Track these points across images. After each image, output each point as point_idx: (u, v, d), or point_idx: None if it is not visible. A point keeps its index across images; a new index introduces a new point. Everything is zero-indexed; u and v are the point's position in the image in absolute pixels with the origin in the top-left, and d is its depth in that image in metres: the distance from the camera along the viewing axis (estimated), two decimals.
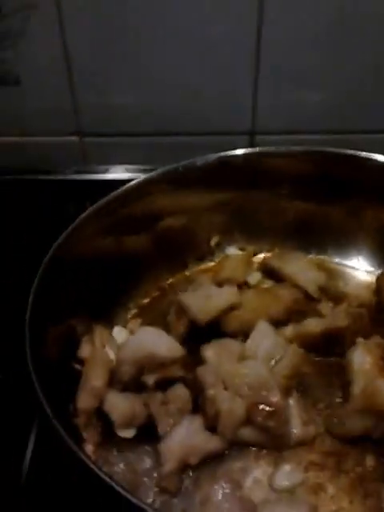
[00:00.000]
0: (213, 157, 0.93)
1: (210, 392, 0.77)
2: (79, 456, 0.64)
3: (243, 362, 0.80)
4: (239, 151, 0.94)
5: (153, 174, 0.92)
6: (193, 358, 0.85)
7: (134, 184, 0.91)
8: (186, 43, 1.01)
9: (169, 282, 1.00)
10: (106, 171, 1.14)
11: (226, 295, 0.89)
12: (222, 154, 0.94)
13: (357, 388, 0.78)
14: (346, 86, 1.05)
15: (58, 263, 0.81)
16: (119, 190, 0.90)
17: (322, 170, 0.95)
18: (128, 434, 0.79)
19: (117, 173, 1.14)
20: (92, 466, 0.63)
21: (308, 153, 0.94)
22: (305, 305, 0.92)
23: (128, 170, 1.14)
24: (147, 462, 0.77)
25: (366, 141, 0.95)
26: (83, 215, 0.85)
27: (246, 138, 1.10)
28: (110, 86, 1.06)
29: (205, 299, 0.88)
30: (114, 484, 0.61)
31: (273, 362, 0.81)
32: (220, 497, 0.71)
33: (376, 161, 0.91)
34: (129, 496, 0.61)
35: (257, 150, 0.95)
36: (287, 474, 0.74)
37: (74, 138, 1.12)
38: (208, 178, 0.95)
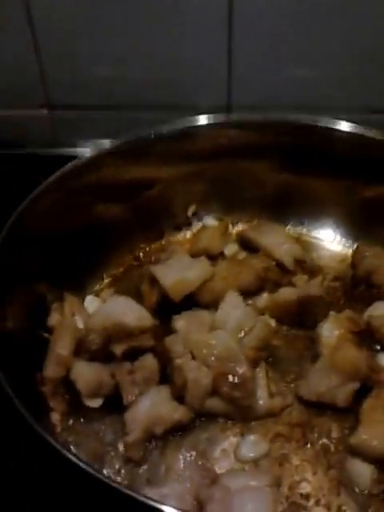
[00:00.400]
0: (182, 124, 0.92)
1: (178, 361, 0.77)
2: (36, 429, 0.63)
3: (212, 332, 0.79)
4: (207, 119, 0.93)
5: (120, 141, 0.90)
6: (165, 328, 0.84)
7: (103, 150, 0.89)
8: (157, 14, 0.98)
9: (144, 251, 0.99)
10: (74, 146, 1.11)
11: (199, 271, 0.87)
12: (189, 122, 0.92)
13: (325, 350, 0.79)
14: (325, 59, 1.02)
15: (21, 231, 0.79)
16: (85, 158, 0.88)
17: (298, 140, 0.93)
18: (95, 403, 0.78)
19: (86, 147, 1.10)
20: (48, 438, 0.62)
21: (282, 122, 0.93)
22: (278, 274, 0.91)
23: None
24: (114, 432, 0.77)
25: (346, 119, 0.93)
26: (48, 181, 0.84)
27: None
28: (78, 59, 1.03)
29: (178, 275, 0.86)
30: (70, 456, 0.60)
31: (242, 333, 0.80)
32: (182, 465, 0.71)
33: (347, 132, 0.90)
34: (83, 465, 0.60)
35: (228, 118, 0.94)
36: (252, 445, 0.74)
37: (43, 111, 1.09)
38: (180, 147, 0.93)
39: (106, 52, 1.03)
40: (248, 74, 1.04)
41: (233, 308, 0.82)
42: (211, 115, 0.93)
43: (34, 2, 0.97)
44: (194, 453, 0.74)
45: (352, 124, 0.90)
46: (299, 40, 1.00)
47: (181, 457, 0.73)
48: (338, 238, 0.99)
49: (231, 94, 1.06)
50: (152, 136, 0.91)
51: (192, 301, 0.87)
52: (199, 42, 1.01)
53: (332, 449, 0.75)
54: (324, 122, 0.91)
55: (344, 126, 0.90)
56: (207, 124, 0.93)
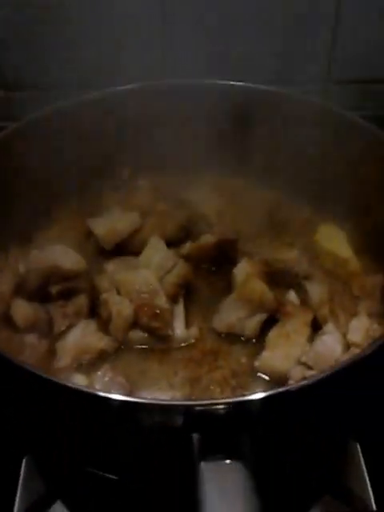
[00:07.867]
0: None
1: (104, 296, 0.86)
2: None
3: (135, 271, 0.88)
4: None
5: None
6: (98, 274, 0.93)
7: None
8: None
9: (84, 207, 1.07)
10: None
11: (129, 221, 0.97)
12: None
13: (237, 283, 0.88)
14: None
15: None
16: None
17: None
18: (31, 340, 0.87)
19: None
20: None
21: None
22: (202, 225, 1.00)
23: None
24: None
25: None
26: None
27: None
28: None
29: (110, 225, 0.96)
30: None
31: (163, 272, 0.89)
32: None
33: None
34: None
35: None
36: None
37: None
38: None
39: None
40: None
41: (155, 250, 0.91)
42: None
43: None
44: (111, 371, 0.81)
45: None
46: None
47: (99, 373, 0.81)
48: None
49: None
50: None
51: (123, 250, 0.96)
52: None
53: (239, 372, 0.83)
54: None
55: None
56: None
